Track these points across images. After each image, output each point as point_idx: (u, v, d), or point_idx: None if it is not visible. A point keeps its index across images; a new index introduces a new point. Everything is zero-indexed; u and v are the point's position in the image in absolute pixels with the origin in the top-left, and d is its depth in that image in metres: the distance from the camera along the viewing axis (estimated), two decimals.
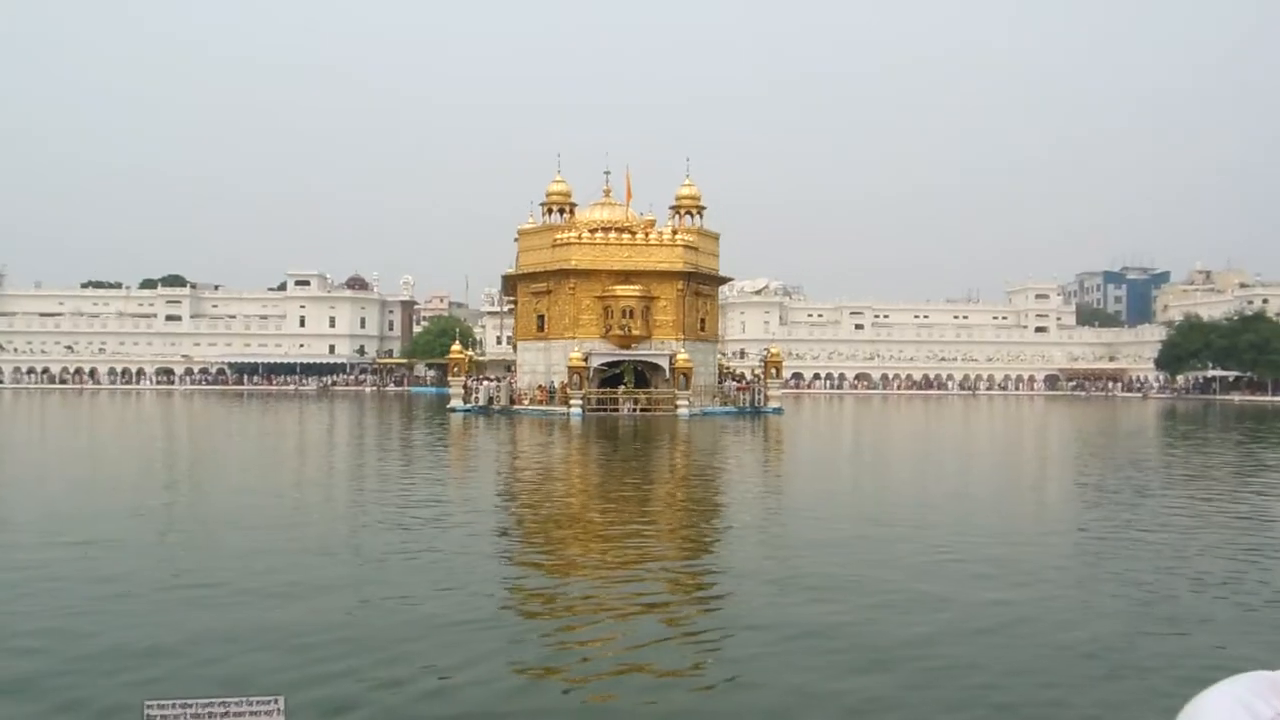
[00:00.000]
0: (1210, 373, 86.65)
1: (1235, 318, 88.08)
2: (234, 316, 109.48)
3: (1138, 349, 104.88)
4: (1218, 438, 34.57)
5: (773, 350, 55.49)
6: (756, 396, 52.25)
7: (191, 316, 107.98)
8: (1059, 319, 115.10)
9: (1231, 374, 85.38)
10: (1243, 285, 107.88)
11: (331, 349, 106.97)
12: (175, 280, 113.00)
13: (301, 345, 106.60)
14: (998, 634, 8.04)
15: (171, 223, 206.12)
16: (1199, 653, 7.56)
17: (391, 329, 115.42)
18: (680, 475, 21.49)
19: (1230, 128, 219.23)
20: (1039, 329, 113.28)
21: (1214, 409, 63.76)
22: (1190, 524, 14.04)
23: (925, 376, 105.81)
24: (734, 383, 55.27)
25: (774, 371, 53.50)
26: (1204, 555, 11.57)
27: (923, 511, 15.28)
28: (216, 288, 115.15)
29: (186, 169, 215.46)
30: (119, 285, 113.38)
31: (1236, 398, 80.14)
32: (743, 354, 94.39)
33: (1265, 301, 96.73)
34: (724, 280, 57.96)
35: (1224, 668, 1.65)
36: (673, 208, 53.66)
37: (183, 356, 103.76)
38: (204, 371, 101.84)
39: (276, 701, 3.83)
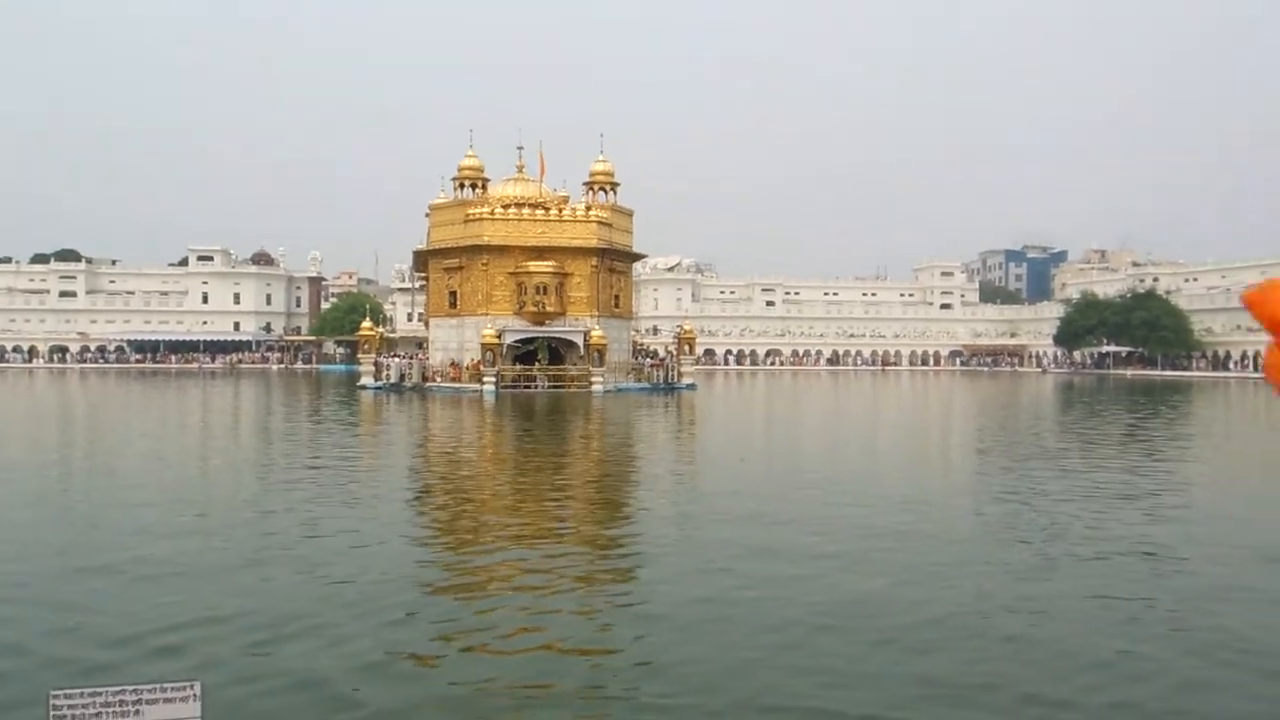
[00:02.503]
0: (1105, 348, 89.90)
1: (1128, 295, 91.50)
2: (133, 293, 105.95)
3: (1037, 325, 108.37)
4: (1107, 411, 35.94)
5: (686, 327, 55.88)
6: (670, 373, 52.54)
7: (87, 293, 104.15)
8: (963, 296, 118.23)
9: (1124, 349, 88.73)
10: (1135, 264, 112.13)
11: (236, 326, 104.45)
12: (69, 255, 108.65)
13: (205, 322, 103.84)
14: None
15: (64, 196, 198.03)
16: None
17: (299, 306, 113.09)
18: (592, 450, 21.52)
19: (1125, 110, 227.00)
20: (944, 306, 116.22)
21: (1108, 383, 66.26)
22: (1064, 491, 14.61)
23: (835, 352, 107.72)
24: (648, 359, 55.50)
25: (687, 348, 53.89)
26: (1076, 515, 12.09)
27: (828, 483, 15.60)
28: (114, 263, 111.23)
29: (79, 137, 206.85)
30: (8, 260, 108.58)
31: (1129, 372, 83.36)
32: (656, 330, 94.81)
33: (1156, 280, 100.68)
34: (638, 257, 58.04)
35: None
36: (586, 184, 53.49)
37: (79, 334, 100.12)
38: (101, 350, 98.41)
39: (192, 686, 3.65)
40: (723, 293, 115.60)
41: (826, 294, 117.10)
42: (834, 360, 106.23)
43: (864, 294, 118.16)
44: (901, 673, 6.52)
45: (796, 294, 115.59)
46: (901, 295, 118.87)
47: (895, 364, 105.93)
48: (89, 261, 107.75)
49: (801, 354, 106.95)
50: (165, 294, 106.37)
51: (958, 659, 6.79)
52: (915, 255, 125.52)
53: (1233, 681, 6.45)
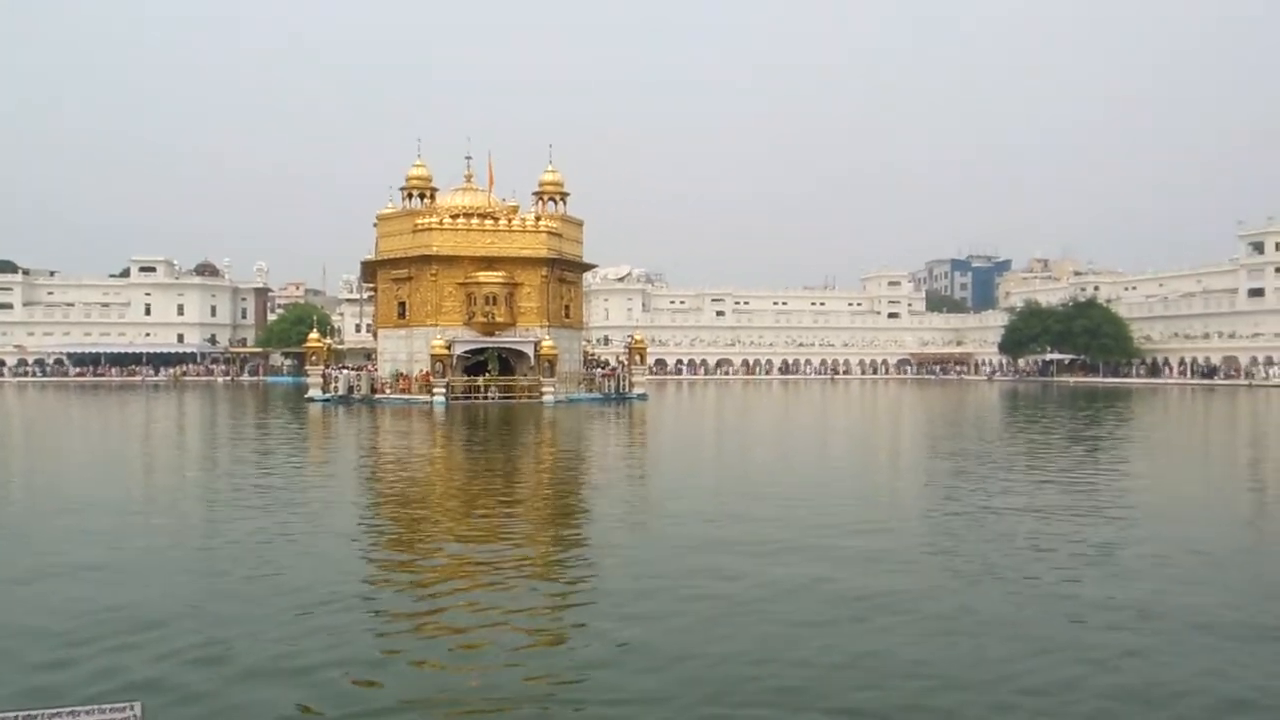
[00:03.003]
0: (1049, 356, 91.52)
1: (1070, 304, 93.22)
2: (72, 304, 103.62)
3: (982, 334, 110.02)
4: (1048, 418, 36.59)
5: (636, 337, 55.97)
6: (621, 383, 52.62)
7: (24, 304, 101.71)
8: (910, 305, 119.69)
9: (1067, 357, 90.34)
10: (1077, 273, 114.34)
11: (180, 338, 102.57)
12: (5, 266, 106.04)
13: (148, 334, 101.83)
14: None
15: None
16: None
17: (245, 317, 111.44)
18: (543, 461, 21.48)
19: (1064, 121, 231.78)
20: (892, 314, 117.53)
21: (1051, 390, 67.49)
22: (1011, 497, 14.86)
23: (785, 361, 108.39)
24: (599, 369, 55.51)
25: (638, 358, 53.97)
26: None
27: (777, 492, 15.71)
28: (52, 274, 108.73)
29: (13, 143, 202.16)
30: None
31: (1071, 380, 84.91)
32: (607, 340, 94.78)
33: (1096, 289, 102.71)
34: (588, 267, 58.06)
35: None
36: (536, 194, 53.45)
37: (15, 347, 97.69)
38: (40, 363, 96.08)
39: (133, 708, 3.55)
40: (673, 303, 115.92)
41: (776, 304, 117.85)
42: (785, 369, 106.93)
43: (813, 304, 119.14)
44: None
45: (746, 304, 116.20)
46: (850, 305, 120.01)
47: (845, 373, 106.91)
48: (26, 272, 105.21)
49: (752, 363, 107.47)
50: (106, 305, 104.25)
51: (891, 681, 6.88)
52: (863, 265, 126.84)
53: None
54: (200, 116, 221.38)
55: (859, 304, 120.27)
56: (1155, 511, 13.88)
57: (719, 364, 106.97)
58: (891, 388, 76.60)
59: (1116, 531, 12.13)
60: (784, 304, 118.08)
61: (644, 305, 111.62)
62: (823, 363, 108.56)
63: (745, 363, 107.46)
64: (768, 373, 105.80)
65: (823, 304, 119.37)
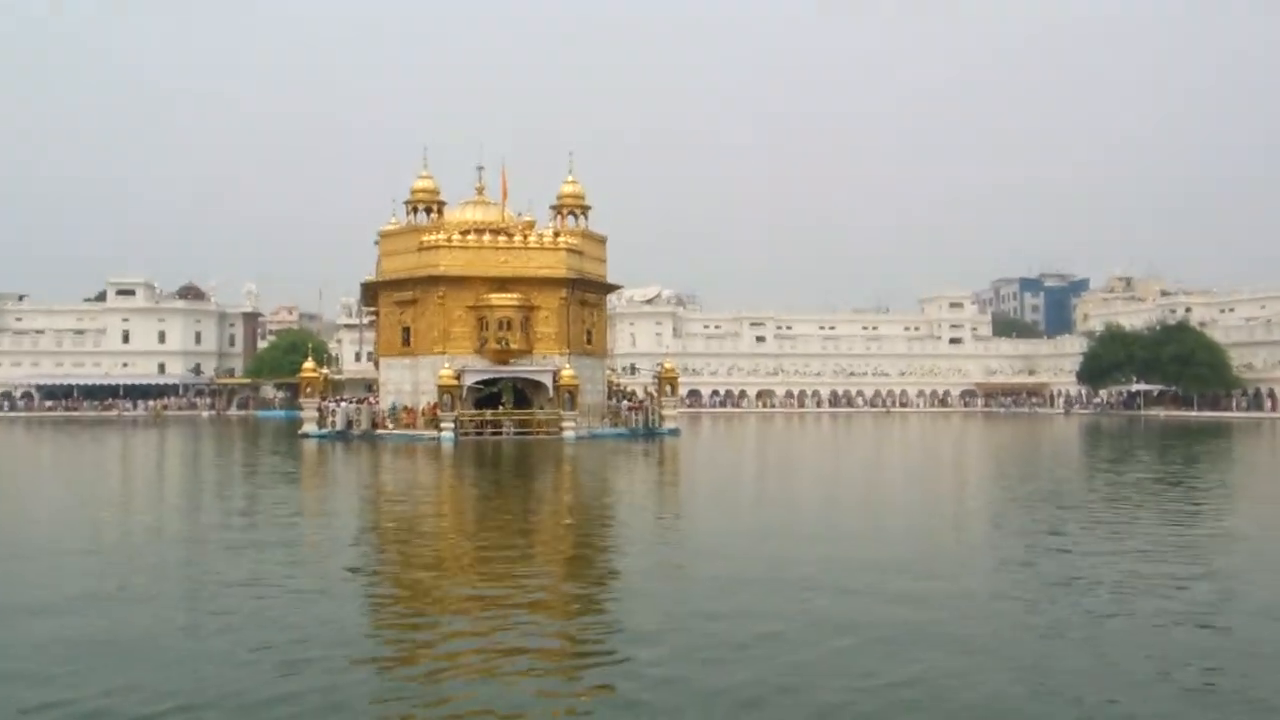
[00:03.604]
0: (1134, 386, 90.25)
1: (1157, 328, 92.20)
2: (43, 332, 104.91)
3: (1057, 361, 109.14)
4: (1135, 458, 36.08)
5: (667, 365, 55.85)
6: (650, 416, 52.49)
7: None
8: (974, 329, 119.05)
9: (1155, 388, 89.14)
10: (1164, 293, 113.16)
11: (162, 368, 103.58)
12: None
13: (125, 364, 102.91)
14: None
15: None
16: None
17: (233, 344, 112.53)
18: (563, 506, 21.39)
19: (1149, 130, 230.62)
20: (954, 340, 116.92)
21: (1138, 425, 66.66)
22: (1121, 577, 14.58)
23: (834, 393, 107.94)
24: (626, 401, 55.45)
25: (669, 389, 53.82)
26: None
27: (825, 538, 15.51)
28: (21, 299, 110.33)
29: None
30: None
31: (1161, 413, 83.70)
32: (634, 369, 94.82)
33: (1188, 310, 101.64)
34: (612, 288, 58.10)
35: None
36: (554, 207, 53.61)
37: None
38: (6, 396, 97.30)
39: None
40: (707, 327, 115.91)
41: (823, 328, 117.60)
42: (834, 401, 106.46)
43: (865, 328, 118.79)
44: None
45: (789, 328, 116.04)
46: (906, 329, 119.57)
47: (901, 405, 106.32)
48: None
49: (797, 395, 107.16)
50: (80, 333, 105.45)
51: None
52: (921, 285, 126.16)
53: None
54: (182, 124, 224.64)
55: (916, 328, 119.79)
56: (1258, 570, 13.58)
57: (759, 396, 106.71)
58: (954, 422, 76.05)
59: (1211, 587, 11.88)
60: (832, 329, 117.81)
61: (675, 330, 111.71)
62: (876, 394, 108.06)
63: (789, 394, 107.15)
64: (815, 405, 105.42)
65: (876, 329, 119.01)
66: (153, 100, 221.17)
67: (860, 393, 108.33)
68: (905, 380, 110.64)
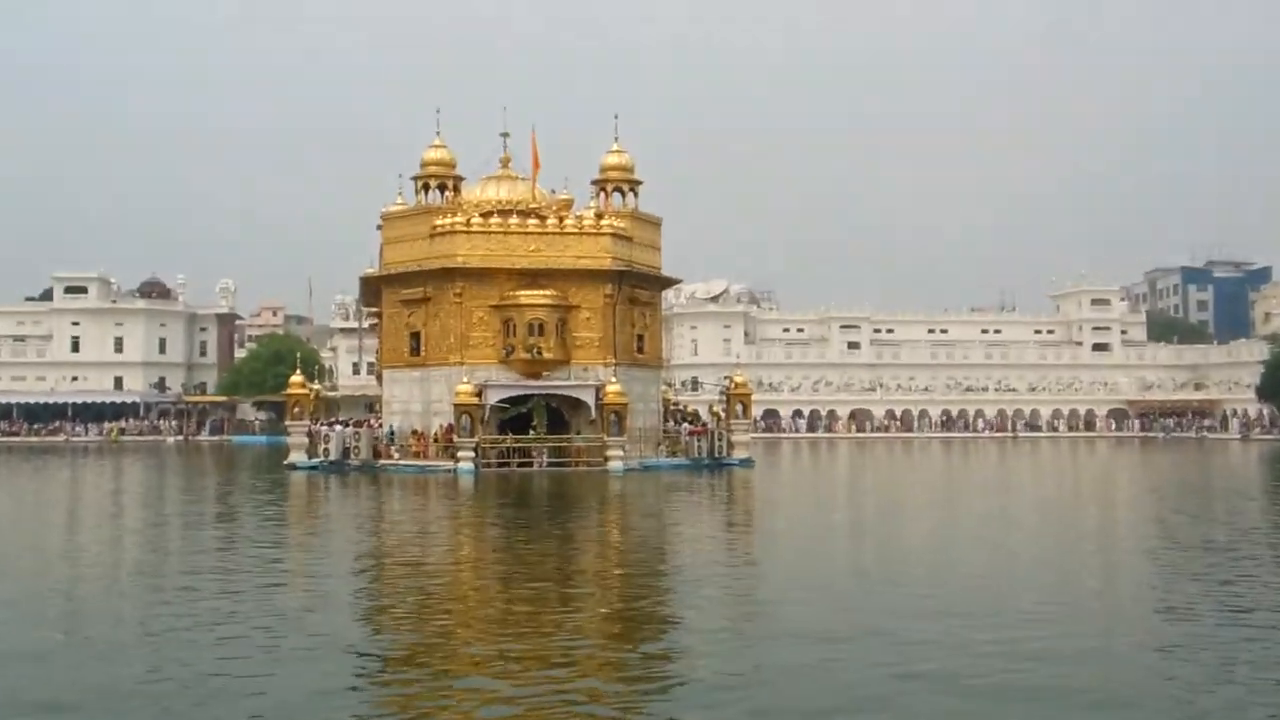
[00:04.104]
0: None
1: None
2: None
3: (1231, 372, 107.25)
4: None
5: (737, 379, 55.46)
6: (716, 443, 52.11)
7: None
8: (1125, 333, 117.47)
9: None
10: None
11: (118, 383, 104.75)
12: None
13: (75, 379, 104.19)
14: None
15: None
16: None
17: (204, 354, 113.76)
18: (611, 558, 21.09)
19: None
20: (1098, 346, 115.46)
21: None
22: None
23: (947, 413, 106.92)
24: (686, 424, 55.14)
25: (740, 408, 53.44)
26: None
27: (951, 612, 15.09)
28: None
29: None
30: None
31: None
32: (696, 384, 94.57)
33: None
34: (669, 282, 57.85)
35: None
36: (596, 183, 53.40)
37: None
38: None
39: None
40: (787, 330, 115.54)
41: (932, 332, 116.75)
42: (946, 423, 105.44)
43: (985, 331, 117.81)
44: None
45: (890, 332, 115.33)
46: (1037, 333, 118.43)
47: (1031, 428, 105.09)
48: None
49: (900, 416, 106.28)
50: (20, 340, 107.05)
51: None
52: (1055, 278, 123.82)
53: None
54: (139, 83, 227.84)
55: (1050, 331, 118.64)
56: None
57: (852, 416, 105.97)
58: (1101, 450, 74.91)
59: None
60: (943, 332, 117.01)
61: (747, 335, 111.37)
62: (999, 415, 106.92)
63: (890, 415, 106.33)
64: (923, 428, 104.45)
65: (998, 332, 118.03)
66: (101, 69, 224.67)
67: (980, 413, 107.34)
68: (1037, 398, 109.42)
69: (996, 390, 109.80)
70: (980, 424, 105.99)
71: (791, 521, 29.77)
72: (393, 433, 50.48)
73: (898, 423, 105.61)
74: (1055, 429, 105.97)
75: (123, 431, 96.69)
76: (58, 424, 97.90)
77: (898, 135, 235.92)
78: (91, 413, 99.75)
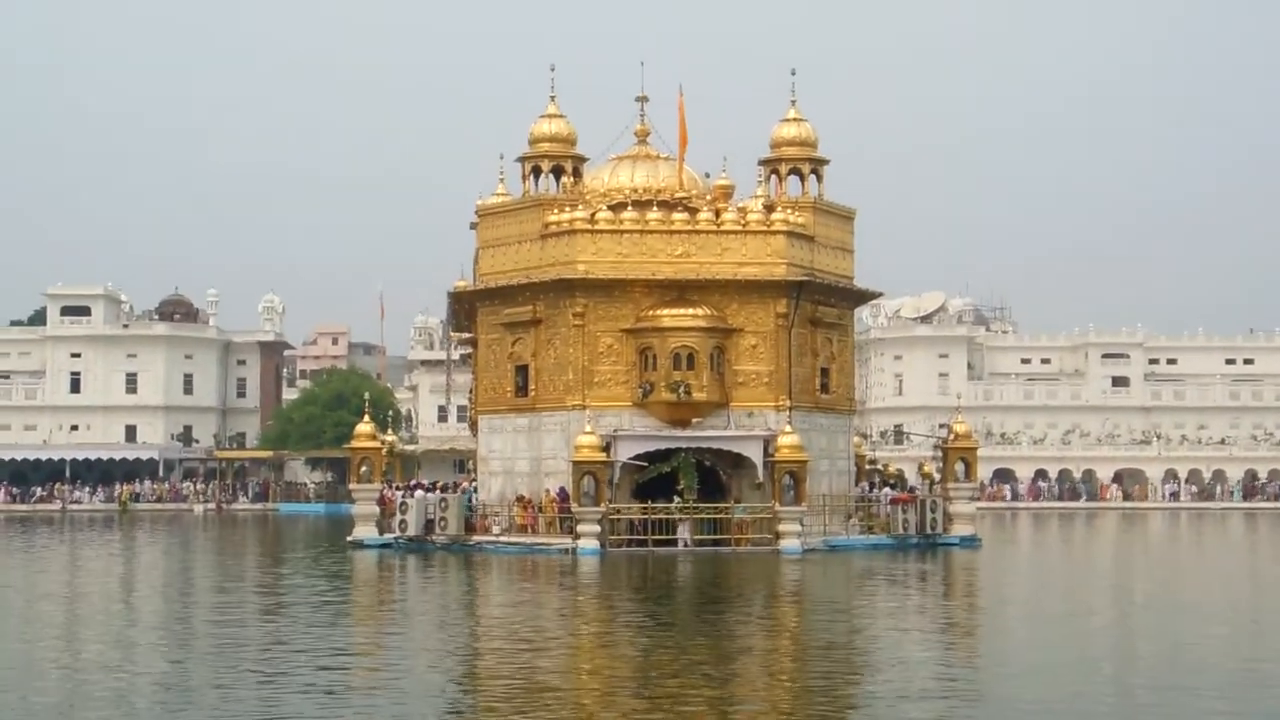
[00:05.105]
0: None
1: None
2: None
3: None
4: None
5: (958, 428, 54.92)
6: (929, 516, 51.55)
7: None
8: None
9: None
10: None
11: (131, 433, 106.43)
12: None
13: (75, 427, 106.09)
14: None
15: None
16: None
17: (242, 394, 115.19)
18: (784, 681, 20.88)
19: None
20: None
21: None
22: None
23: (1251, 474, 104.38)
24: (887, 489, 54.72)
25: (961, 467, 52.87)
26: None
27: None
28: None
29: None
30: None
31: None
32: (901, 434, 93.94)
33: None
34: (866, 297, 57.61)
35: None
36: (766, 162, 53.17)
37: None
38: None
39: None
40: (1027, 361, 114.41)
41: (1231, 362, 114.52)
42: (1251, 490, 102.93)
43: None
44: None
45: (1171, 363, 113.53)
46: None
47: None
48: None
49: (1185, 477, 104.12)
50: (4, 377, 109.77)
51: None
52: None
53: None
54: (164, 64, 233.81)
55: None
56: None
57: (1118, 479, 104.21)
58: None
59: None
60: (1247, 362, 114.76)
61: (971, 367, 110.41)
62: None
63: (1172, 476, 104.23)
64: (1222, 496, 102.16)
65: None
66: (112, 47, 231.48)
67: None
68: None
69: None
70: None
71: (1044, 618, 28.95)
72: (525, 500, 50.62)
73: (1184, 487, 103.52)
74: None
75: (136, 496, 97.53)
76: (54, 487, 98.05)
77: (1169, 89, 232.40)
78: (96, 473, 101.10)
